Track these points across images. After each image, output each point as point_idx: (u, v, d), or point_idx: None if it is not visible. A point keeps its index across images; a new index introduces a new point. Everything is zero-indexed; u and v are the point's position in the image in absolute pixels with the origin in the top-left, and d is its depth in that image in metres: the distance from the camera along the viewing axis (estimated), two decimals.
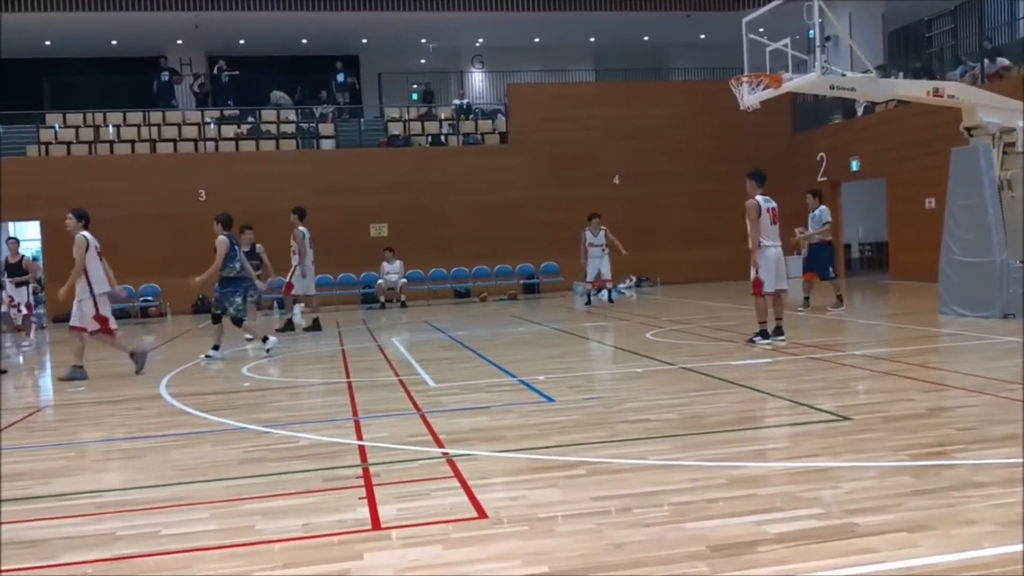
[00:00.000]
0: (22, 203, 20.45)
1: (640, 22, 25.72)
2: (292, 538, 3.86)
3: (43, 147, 21.88)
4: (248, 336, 12.84)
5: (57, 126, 22.56)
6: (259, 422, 6.59)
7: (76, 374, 9.75)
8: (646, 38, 27.51)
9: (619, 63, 26.56)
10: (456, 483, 4.60)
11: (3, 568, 3.66)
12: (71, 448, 6.16)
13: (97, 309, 9.78)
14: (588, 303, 17.90)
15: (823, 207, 14.17)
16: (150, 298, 20.75)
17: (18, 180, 20.47)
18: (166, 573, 3.54)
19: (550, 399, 6.99)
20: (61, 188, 20.48)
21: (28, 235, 23.48)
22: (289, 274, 14.81)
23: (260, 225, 21.24)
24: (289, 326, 14.93)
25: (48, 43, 24.07)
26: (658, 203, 23.39)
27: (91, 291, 9.74)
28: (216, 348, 11.23)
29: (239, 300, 11.36)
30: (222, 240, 11.30)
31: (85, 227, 9.99)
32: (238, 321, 11.50)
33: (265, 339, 11.47)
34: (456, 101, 25.31)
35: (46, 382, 10.76)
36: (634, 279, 22.72)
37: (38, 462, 5.80)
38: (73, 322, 9.90)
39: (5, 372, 10.99)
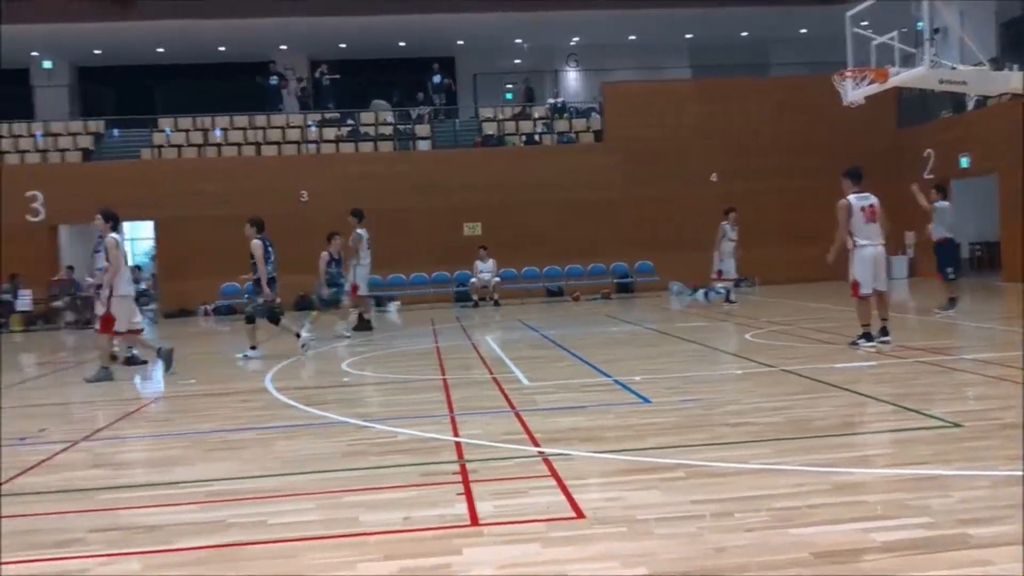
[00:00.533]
0: (137, 204, 21.40)
1: (738, 18, 25.24)
2: (393, 531, 3.94)
3: (156, 150, 22.88)
4: (344, 333, 13.27)
5: (168, 130, 23.58)
6: (359, 416, 6.75)
7: (101, 375, 9.94)
8: (744, 34, 26.97)
9: (716, 59, 26.10)
10: (553, 482, 4.61)
11: (126, 551, 3.85)
12: (184, 438, 6.43)
13: (108, 308, 9.94)
14: (729, 300, 16.76)
15: (941, 203, 13.27)
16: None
17: (133, 182, 21.46)
18: (274, 560, 3.67)
19: (646, 400, 6.94)
20: (172, 189, 21.43)
21: (142, 234, 24.62)
22: (351, 275, 15.00)
23: (368, 224, 21.76)
24: (365, 325, 15.01)
25: (161, 50, 25.15)
26: (755, 201, 22.86)
27: (110, 292, 9.95)
28: (253, 348, 11.52)
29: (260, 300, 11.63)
30: (256, 243, 11.54)
31: (114, 228, 10.21)
32: (275, 319, 11.84)
33: (297, 335, 11.72)
34: (550, 100, 25.35)
35: (158, 374, 11.24)
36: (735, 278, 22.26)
37: (153, 451, 6.08)
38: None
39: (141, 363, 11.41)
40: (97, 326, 10.17)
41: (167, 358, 10.24)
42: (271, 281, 11.61)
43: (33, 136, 23.21)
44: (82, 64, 26.31)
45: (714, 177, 23.08)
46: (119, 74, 26.75)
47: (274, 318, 11.78)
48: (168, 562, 3.70)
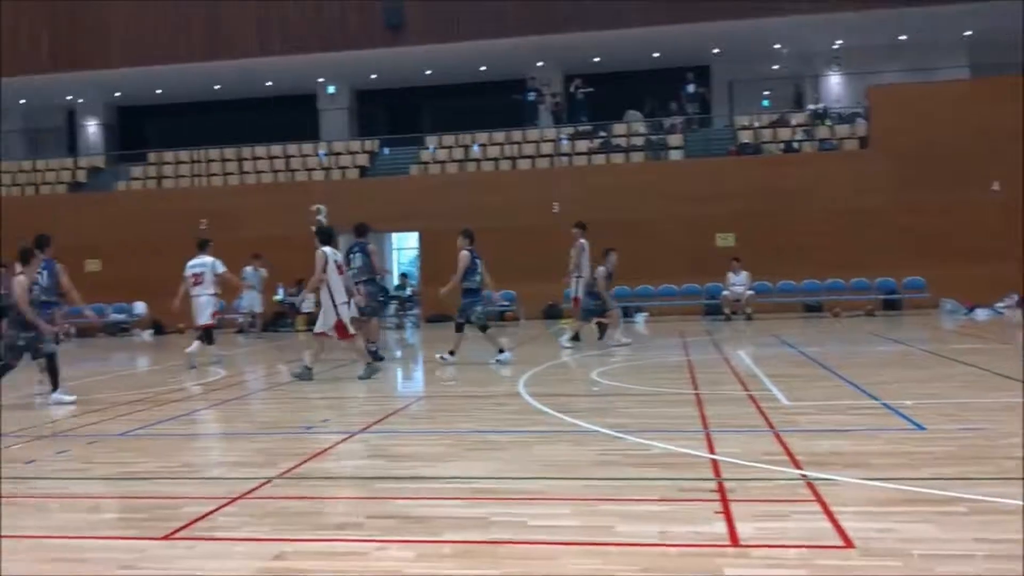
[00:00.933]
0: (403, 216, 22.98)
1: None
2: (649, 544, 3.93)
3: (422, 166, 24.44)
4: (566, 345, 13.50)
5: (432, 147, 25.11)
6: (611, 427, 6.79)
7: (305, 375, 10.61)
8: None
9: (999, 57, 23.69)
10: (818, 507, 4.39)
11: (399, 539, 4.14)
12: (447, 436, 6.80)
13: (338, 316, 10.61)
14: None
15: None
16: (506, 303, 22.25)
17: (400, 197, 23.08)
18: (533, 561, 3.78)
19: (920, 426, 6.42)
20: (434, 202, 22.78)
21: (407, 244, 26.36)
22: (574, 288, 15.06)
23: (612, 235, 21.98)
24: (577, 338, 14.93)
25: (428, 72, 26.85)
26: None
27: (333, 301, 10.59)
28: (452, 353, 11.85)
29: (479, 309, 11.89)
30: (464, 255, 11.87)
31: (325, 243, 10.89)
32: (483, 328, 12.04)
33: (501, 351, 11.78)
34: (811, 106, 24.24)
35: (419, 374, 11.98)
36: (1016, 297, 20.14)
37: (420, 446, 6.48)
38: (317, 328, 10.86)
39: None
40: (336, 335, 10.88)
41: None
42: (472, 292, 11.93)
43: (317, 155, 25.60)
44: (360, 88, 28.66)
45: (996, 186, 20.96)
46: (391, 96, 28.88)
47: (482, 327, 12.11)
48: (437, 552, 3.93)
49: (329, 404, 9.00)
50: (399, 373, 12.39)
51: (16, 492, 5.34)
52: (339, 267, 11.08)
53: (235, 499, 4.95)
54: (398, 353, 15.14)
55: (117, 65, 25.47)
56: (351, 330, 10.86)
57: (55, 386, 9.26)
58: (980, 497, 4.44)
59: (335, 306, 10.77)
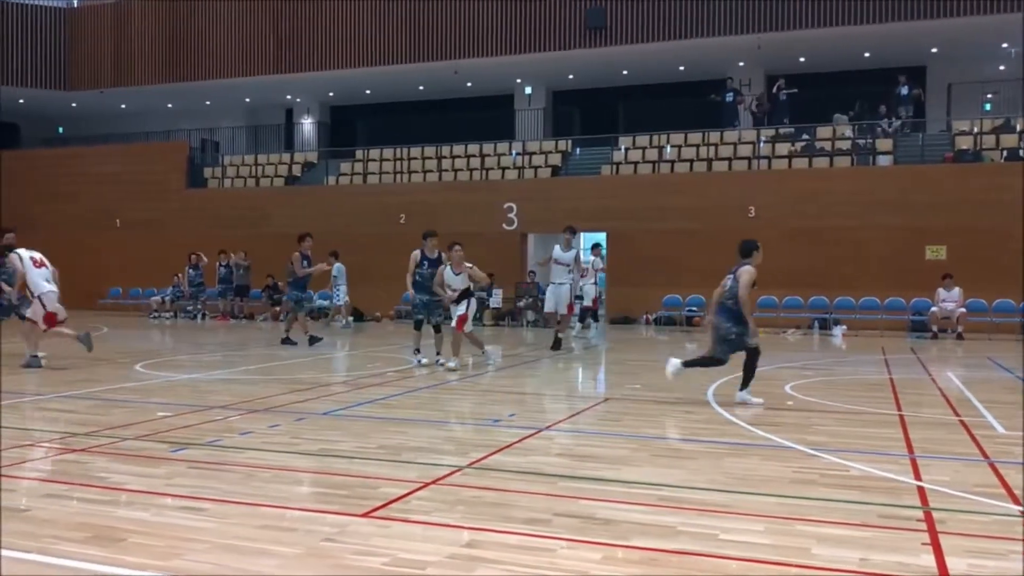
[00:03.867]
0: (594, 216, 23.02)
1: None
2: (849, 570, 3.73)
3: (614, 167, 24.39)
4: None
5: (626, 148, 24.99)
6: (806, 443, 6.51)
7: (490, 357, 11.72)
8: None
9: None
10: None
11: (586, 540, 4.14)
12: (632, 440, 6.75)
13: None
14: None
15: None
16: (695, 308, 21.81)
17: (591, 196, 23.15)
18: (724, 575, 3.68)
19: None
20: (624, 203, 22.69)
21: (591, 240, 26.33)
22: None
23: (809, 242, 21.09)
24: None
25: (625, 73, 26.75)
26: None
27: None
28: (418, 351, 12.07)
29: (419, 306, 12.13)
30: (414, 255, 12.14)
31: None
32: (436, 328, 12.13)
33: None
34: None
35: (602, 375, 11.95)
36: None
37: (605, 448, 6.47)
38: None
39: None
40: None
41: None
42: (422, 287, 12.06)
43: (511, 154, 26.14)
44: (556, 88, 28.99)
45: None
46: (586, 96, 29.01)
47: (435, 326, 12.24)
48: (623, 557, 3.90)
49: (517, 399, 9.16)
50: (586, 373, 12.43)
51: (231, 459, 5.80)
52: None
53: (427, 484, 5.14)
54: (581, 351, 15.18)
55: (331, 67, 27.11)
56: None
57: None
58: None
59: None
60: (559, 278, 14.35)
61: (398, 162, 27.04)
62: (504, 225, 24.15)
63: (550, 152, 25.88)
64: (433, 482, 5.19)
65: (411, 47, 26.13)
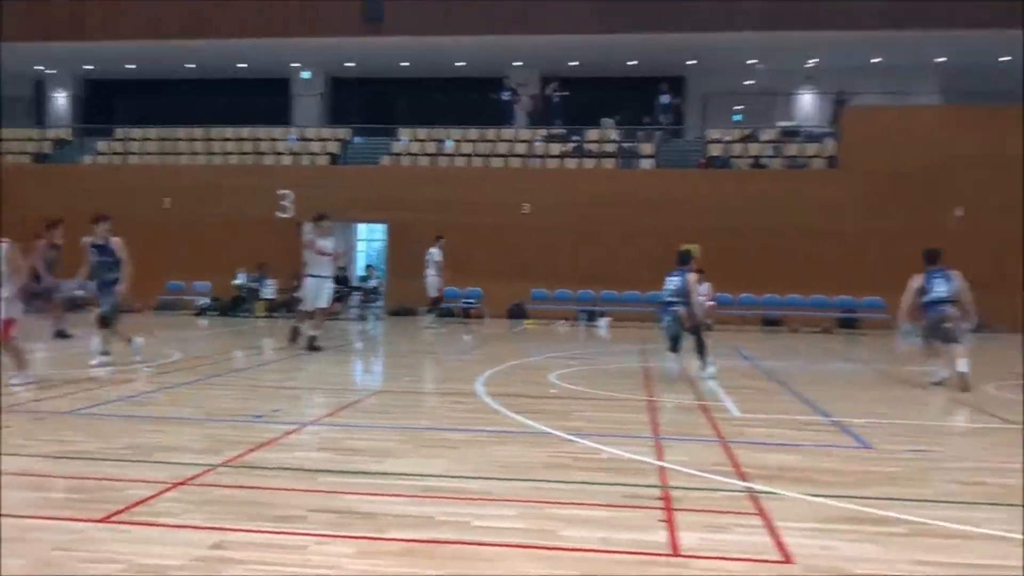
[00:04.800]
0: (373, 206, 22.85)
1: (998, 41, 23.20)
2: (591, 549, 3.93)
3: (393, 157, 24.30)
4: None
5: (405, 139, 24.98)
6: (565, 429, 6.80)
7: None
8: (1005, 58, 24.75)
9: (971, 85, 24.12)
10: (760, 521, 4.43)
11: (342, 534, 4.10)
12: (398, 432, 6.76)
13: None
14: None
15: None
16: (472, 300, 22.21)
17: (371, 186, 22.94)
18: (474, 562, 3.76)
19: (867, 446, 6.50)
20: (404, 195, 22.69)
21: (376, 235, 26.19)
22: None
23: (578, 239, 22.11)
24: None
25: (405, 64, 26.71)
26: (1006, 238, 20.91)
27: None
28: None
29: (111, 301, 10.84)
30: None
31: None
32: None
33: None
34: (781, 123, 24.47)
35: (378, 367, 11.92)
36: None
37: (371, 441, 6.43)
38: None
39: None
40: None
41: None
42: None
43: (287, 140, 25.36)
44: (335, 75, 28.43)
45: (959, 212, 21.33)
46: (367, 85, 28.67)
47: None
48: (378, 550, 3.89)
49: (282, 394, 8.91)
50: (358, 366, 12.31)
51: None
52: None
53: (177, 484, 4.88)
54: (359, 345, 15.03)
55: (89, 37, 25.02)
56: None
57: None
58: (922, 520, 4.50)
59: None
60: (323, 270, 12.93)
61: (163, 143, 25.47)
62: (278, 212, 23.39)
63: (328, 139, 25.38)
64: (183, 482, 4.94)
65: (182, 21, 24.61)
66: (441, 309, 19.56)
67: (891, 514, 4.59)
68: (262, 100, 27.88)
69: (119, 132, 26.07)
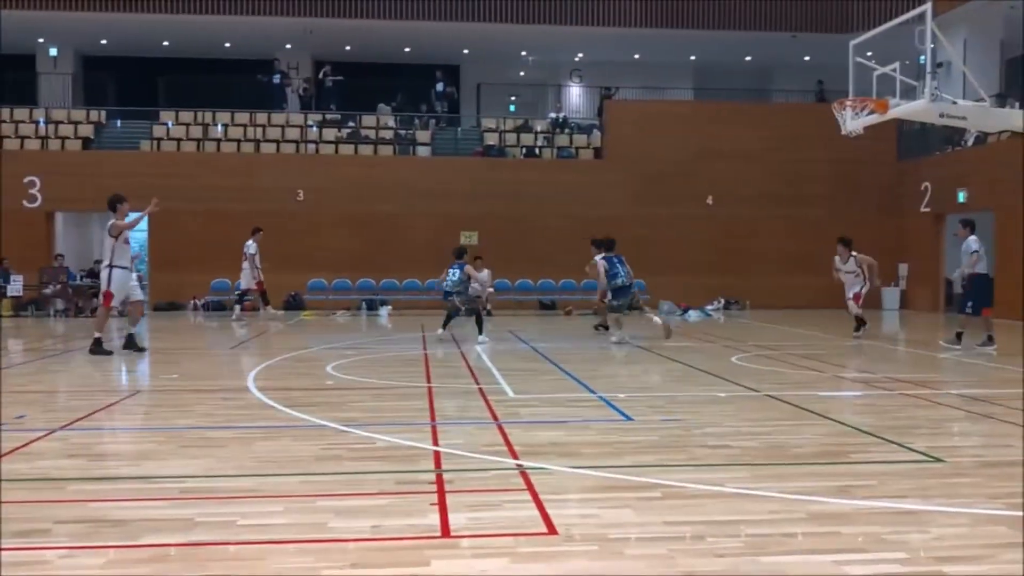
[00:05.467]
0: (133, 193, 21.25)
1: (743, 42, 25.35)
2: (362, 539, 3.90)
3: (155, 142, 22.83)
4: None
5: (169, 123, 23.54)
6: (339, 420, 6.69)
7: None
8: (748, 58, 27.08)
9: (719, 83, 26.20)
10: (528, 496, 4.57)
11: (90, 544, 3.80)
12: (161, 433, 6.37)
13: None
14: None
15: (971, 237, 12.51)
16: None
17: (130, 173, 21.39)
18: (239, 562, 3.62)
19: (629, 418, 6.90)
20: (168, 182, 21.34)
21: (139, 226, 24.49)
22: None
23: (356, 226, 21.83)
24: None
25: (166, 43, 25.15)
26: (755, 226, 22.96)
27: None
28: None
29: None
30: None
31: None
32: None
33: None
34: (552, 114, 25.40)
35: (143, 365, 11.17)
36: (722, 301, 22.37)
37: (130, 444, 6.02)
38: None
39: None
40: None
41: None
42: None
43: (35, 122, 23.16)
44: (88, 53, 26.29)
45: (710, 200, 23.12)
46: (123, 65, 26.73)
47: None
48: (131, 558, 3.64)
49: (30, 399, 8.14)
50: (120, 365, 11.46)
51: None
52: None
53: None
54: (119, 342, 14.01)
55: None
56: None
57: None
58: (674, 483, 4.83)
59: None
60: (127, 261, 11.85)
61: None
62: (25, 202, 21.37)
63: (80, 122, 23.42)
64: None
65: None
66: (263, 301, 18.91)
67: (647, 480, 4.89)
68: (4, 78, 25.27)
69: None
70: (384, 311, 20.98)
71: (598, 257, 14.51)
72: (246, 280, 18.55)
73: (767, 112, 24.39)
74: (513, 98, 27.43)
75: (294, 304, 21.44)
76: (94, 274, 20.89)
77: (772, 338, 14.71)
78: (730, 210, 22.92)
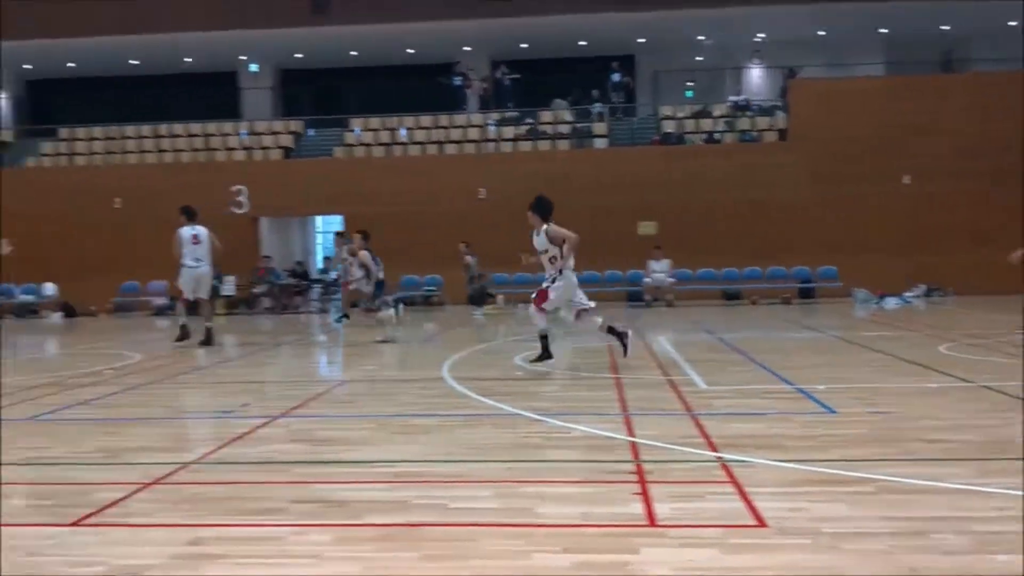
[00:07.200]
0: (329, 199, 22.67)
1: (939, 10, 23.64)
2: (570, 524, 3.97)
3: (347, 148, 24.10)
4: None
5: (357, 129, 24.78)
6: (533, 410, 6.84)
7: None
8: (945, 27, 25.23)
9: (913, 55, 24.58)
10: (732, 488, 4.51)
11: (319, 523, 4.09)
12: (369, 420, 6.75)
13: None
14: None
15: None
16: (433, 288, 22.16)
17: (325, 179, 22.74)
18: (453, 543, 3.79)
19: (831, 410, 6.64)
20: (359, 186, 22.51)
21: (333, 228, 26.01)
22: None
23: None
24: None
25: (354, 53, 26.47)
26: (950, 203, 21.41)
27: None
28: None
29: None
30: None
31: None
32: None
33: None
34: (732, 98, 24.73)
35: (340, 358, 11.86)
36: (923, 287, 21.00)
37: (343, 431, 6.42)
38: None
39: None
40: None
41: None
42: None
43: (238, 135, 25.02)
44: (284, 67, 28.09)
45: (907, 179, 21.77)
46: (317, 76, 28.38)
47: None
48: (355, 536, 3.90)
49: (248, 388, 8.84)
50: (322, 358, 12.24)
51: None
52: None
53: (148, 484, 4.83)
54: (322, 337, 14.93)
55: (26, 36, 24.39)
56: None
57: None
58: (888, 478, 4.61)
59: None
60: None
61: (110, 141, 24.98)
62: (233, 209, 23.12)
63: (280, 133, 25.09)
64: (155, 482, 4.88)
65: (118, 16, 24.10)
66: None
67: (858, 474, 4.70)
68: (210, 95, 27.48)
69: (63, 132, 25.50)
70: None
71: None
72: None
73: (967, 84, 22.65)
74: (690, 84, 26.94)
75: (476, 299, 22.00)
76: (296, 274, 22.37)
77: (979, 326, 13.69)
78: (925, 187, 21.49)
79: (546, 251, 9.13)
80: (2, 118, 27.98)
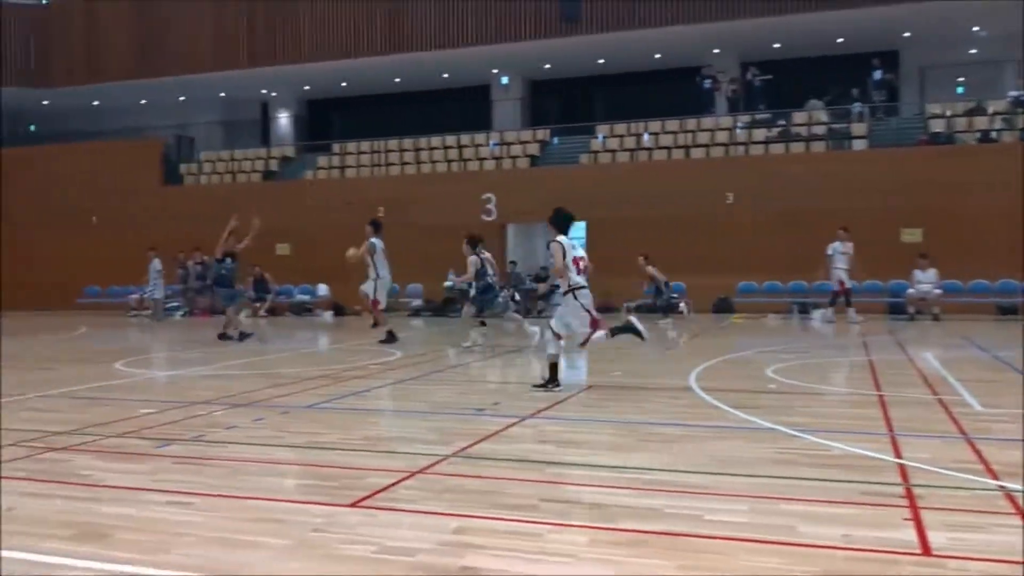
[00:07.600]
0: (575, 205, 22.94)
1: None
2: (832, 546, 3.78)
3: (593, 155, 24.42)
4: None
5: (602, 136, 25.03)
6: (788, 425, 6.57)
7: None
8: None
9: None
10: (1018, 521, 4.09)
11: (573, 523, 4.18)
12: (617, 426, 6.80)
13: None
14: None
15: None
16: (675, 295, 21.88)
17: (570, 186, 23.15)
18: (708, 555, 3.72)
19: None
20: (604, 192, 22.72)
21: (575, 234, 26.44)
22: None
23: (787, 226, 21.24)
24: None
25: (601, 61, 26.77)
26: None
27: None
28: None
29: None
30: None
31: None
32: None
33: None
34: (1012, 93, 22.42)
35: (583, 364, 11.99)
36: None
37: (591, 435, 6.51)
38: None
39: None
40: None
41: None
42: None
43: (489, 145, 26.11)
44: (533, 78, 28.96)
45: None
46: (563, 85, 29.00)
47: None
48: (610, 540, 3.94)
49: (498, 388, 9.19)
50: (564, 363, 12.44)
51: (216, 454, 5.79)
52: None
53: (413, 473, 5.16)
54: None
55: (306, 60, 26.94)
56: None
57: None
58: None
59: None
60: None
61: (375, 155, 26.95)
62: (483, 216, 24.14)
63: (528, 142, 25.89)
64: (419, 471, 5.21)
65: (386, 38, 26.03)
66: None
67: None
68: (464, 108, 28.91)
69: (336, 147, 27.85)
70: (818, 315, 20.12)
71: None
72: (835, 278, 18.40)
73: None
74: (961, 79, 24.74)
75: (723, 307, 21.51)
76: (540, 279, 22.96)
77: None
78: None
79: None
80: (284, 136, 31.07)
